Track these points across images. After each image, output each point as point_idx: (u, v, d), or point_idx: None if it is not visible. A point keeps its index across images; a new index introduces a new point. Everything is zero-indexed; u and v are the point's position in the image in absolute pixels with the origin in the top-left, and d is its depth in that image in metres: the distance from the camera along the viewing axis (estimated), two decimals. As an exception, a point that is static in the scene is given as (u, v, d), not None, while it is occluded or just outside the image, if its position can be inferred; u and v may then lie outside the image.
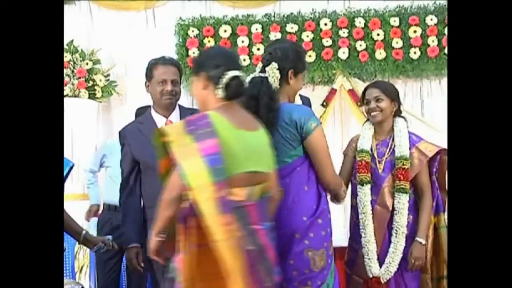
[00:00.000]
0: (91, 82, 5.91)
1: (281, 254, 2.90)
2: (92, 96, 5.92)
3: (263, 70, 3.00)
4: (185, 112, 3.80)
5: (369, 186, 3.51)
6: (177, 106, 3.78)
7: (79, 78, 5.87)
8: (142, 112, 4.36)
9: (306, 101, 3.69)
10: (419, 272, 3.53)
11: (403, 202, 3.46)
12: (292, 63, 3.01)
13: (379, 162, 3.56)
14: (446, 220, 3.59)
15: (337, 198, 3.09)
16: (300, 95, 3.63)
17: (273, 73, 2.97)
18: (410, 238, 3.47)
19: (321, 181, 2.97)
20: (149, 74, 3.74)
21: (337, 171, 3.61)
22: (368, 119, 3.68)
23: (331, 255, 2.98)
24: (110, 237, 3.58)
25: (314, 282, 2.92)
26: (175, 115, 3.75)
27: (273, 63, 2.98)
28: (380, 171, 3.54)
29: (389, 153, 3.55)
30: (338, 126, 6.01)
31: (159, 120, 3.74)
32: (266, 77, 2.97)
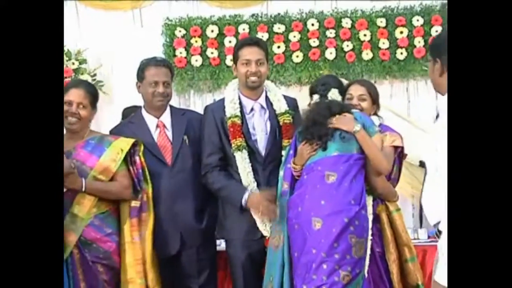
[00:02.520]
0: (77, 82, 5.87)
1: (326, 235, 3.12)
2: (78, 96, 5.88)
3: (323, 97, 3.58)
4: (176, 113, 3.80)
5: None
6: (168, 107, 3.78)
7: (66, 77, 5.84)
8: (128, 112, 4.37)
9: (292, 102, 3.71)
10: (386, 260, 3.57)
11: (368, 203, 3.48)
12: (342, 88, 3.63)
13: None
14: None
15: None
16: (284, 95, 3.65)
17: (336, 96, 3.55)
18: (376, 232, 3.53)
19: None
20: (140, 75, 3.74)
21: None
22: None
23: (366, 250, 3.22)
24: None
25: (353, 269, 3.10)
26: (166, 115, 3.75)
27: (333, 89, 3.57)
28: None
29: None
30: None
31: (151, 120, 3.75)
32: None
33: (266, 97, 3.62)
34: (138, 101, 4.08)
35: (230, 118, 3.48)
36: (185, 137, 3.70)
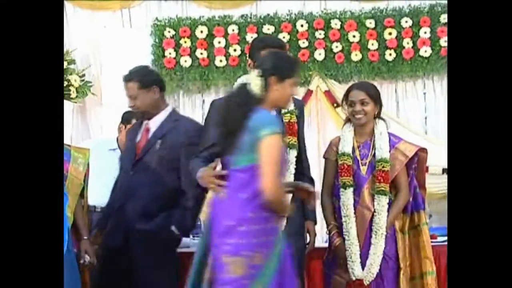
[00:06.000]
0: (65, 83, 5.83)
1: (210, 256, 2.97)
2: (67, 97, 5.84)
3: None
4: (171, 118, 3.79)
5: (351, 189, 3.54)
6: (165, 111, 3.76)
7: (54, 78, 5.80)
8: (128, 116, 4.44)
9: (299, 103, 3.70)
10: (398, 270, 3.57)
11: (382, 204, 3.51)
12: (272, 70, 3.00)
13: (363, 164, 3.59)
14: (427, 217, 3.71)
15: (276, 211, 2.97)
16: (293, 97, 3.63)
17: (254, 80, 2.98)
18: (390, 238, 3.53)
19: (260, 189, 2.90)
20: None
21: (317, 172, 3.64)
22: (347, 121, 3.69)
23: (258, 266, 2.88)
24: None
25: None
26: (156, 119, 3.76)
27: (256, 70, 3.01)
28: (363, 173, 3.57)
29: (372, 155, 3.58)
30: (314, 127, 6.02)
31: (144, 123, 3.80)
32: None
33: None
34: (126, 102, 4.15)
35: None
36: (159, 141, 3.69)
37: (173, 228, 3.62)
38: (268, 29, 6.01)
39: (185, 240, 4.65)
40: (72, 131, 6.03)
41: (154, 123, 3.76)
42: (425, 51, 5.94)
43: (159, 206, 3.66)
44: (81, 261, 3.60)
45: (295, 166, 3.47)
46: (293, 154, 3.47)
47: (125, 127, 4.57)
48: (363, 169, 3.58)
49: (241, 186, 2.94)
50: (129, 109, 4.57)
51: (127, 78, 3.74)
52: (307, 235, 3.62)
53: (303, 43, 5.99)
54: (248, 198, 2.92)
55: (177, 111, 3.98)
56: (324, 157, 3.75)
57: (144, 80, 3.73)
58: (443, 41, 5.90)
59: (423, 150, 3.69)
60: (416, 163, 3.65)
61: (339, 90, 5.75)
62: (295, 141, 3.47)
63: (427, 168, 5.46)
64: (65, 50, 5.91)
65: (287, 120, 3.50)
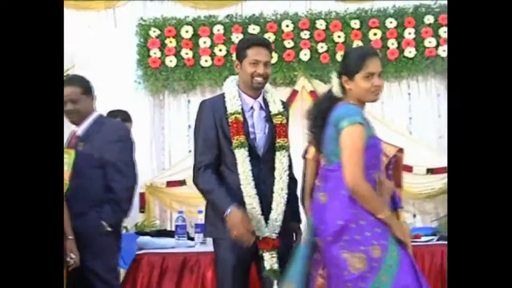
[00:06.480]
0: (50, 82, 5.81)
1: (324, 256, 3.01)
2: (51, 97, 5.82)
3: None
4: (97, 123, 3.90)
5: None
6: (92, 115, 3.86)
7: (38, 78, 5.77)
8: (113, 115, 4.48)
9: (285, 105, 3.70)
10: None
11: None
12: (341, 70, 3.07)
13: None
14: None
15: (365, 206, 2.93)
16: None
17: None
18: None
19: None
20: None
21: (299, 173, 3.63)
22: None
23: (379, 259, 2.90)
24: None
25: (355, 285, 2.91)
26: (82, 126, 3.88)
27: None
28: None
29: None
30: (300, 127, 6.01)
31: (74, 129, 3.95)
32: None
33: (263, 97, 3.60)
34: (111, 102, 4.14)
35: (233, 114, 3.43)
36: (81, 143, 3.82)
37: (103, 223, 3.71)
38: (253, 29, 6.02)
39: (170, 240, 4.66)
40: (56, 131, 5.99)
41: (81, 129, 3.87)
42: (410, 52, 5.98)
43: (88, 203, 3.75)
44: (68, 259, 3.59)
45: (287, 168, 3.48)
46: (285, 155, 3.48)
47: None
48: None
49: (339, 184, 2.94)
50: (114, 108, 4.59)
51: (71, 82, 3.83)
52: (294, 234, 3.63)
53: (289, 43, 6.00)
54: (349, 194, 2.92)
55: (104, 116, 4.06)
56: (302, 157, 3.74)
57: (85, 86, 3.88)
58: (428, 42, 5.96)
59: (400, 150, 3.76)
60: (393, 163, 3.70)
61: (324, 91, 5.76)
62: (285, 143, 3.48)
63: (411, 168, 5.55)
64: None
65: (278, 122, 3.50)
